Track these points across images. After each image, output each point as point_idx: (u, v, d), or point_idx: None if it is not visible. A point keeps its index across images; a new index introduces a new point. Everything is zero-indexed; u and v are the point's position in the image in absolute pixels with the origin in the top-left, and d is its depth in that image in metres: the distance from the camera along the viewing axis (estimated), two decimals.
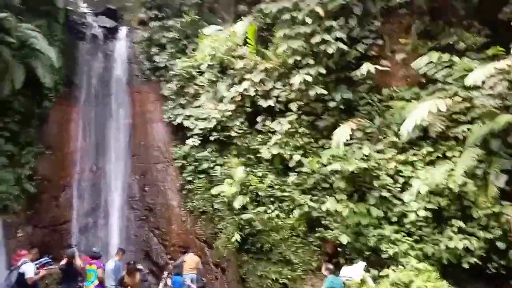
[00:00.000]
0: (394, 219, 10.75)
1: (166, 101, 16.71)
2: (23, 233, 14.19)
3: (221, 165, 14.65)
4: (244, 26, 15.10)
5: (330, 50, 11.73)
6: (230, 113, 14.25)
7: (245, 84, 13.71)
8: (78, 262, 10.12)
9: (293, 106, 12.72)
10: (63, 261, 9.97)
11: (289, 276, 12.15)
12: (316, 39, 11.96)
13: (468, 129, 10.21)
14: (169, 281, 11.66)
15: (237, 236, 12.82)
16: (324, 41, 11.90)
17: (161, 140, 16.84)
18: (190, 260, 11.79)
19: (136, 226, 16.24)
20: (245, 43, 14.89)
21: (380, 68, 11.53)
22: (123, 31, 19.11)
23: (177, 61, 16.50)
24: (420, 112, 9.79)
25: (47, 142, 16.15)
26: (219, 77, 15.29)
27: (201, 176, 15.21)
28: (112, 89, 17.81)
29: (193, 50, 16.69)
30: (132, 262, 10.07)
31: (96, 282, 9.94)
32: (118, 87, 17.87)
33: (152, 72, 17.66)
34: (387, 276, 9.38)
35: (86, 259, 10.74)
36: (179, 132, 16.24)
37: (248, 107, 14.11)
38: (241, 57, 14.47)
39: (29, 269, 8.81)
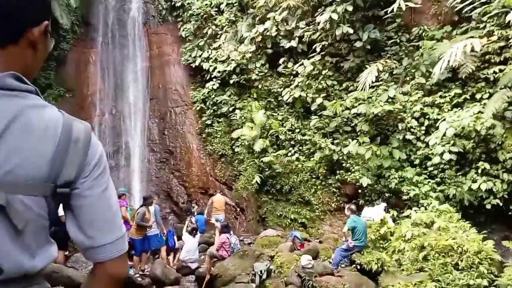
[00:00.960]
0: (417, 161, 10.76)
1: (184, 42, 16.31)
2: None
3: (240, 109, 14.56)
4: None
5: None
6: (250, 54, 13.86)
7: (267, 24, 13.19)
8: None
9: (317, 46, 12.28)
10: None
11: (308, 216, 12.51)
12: None
13: (501, 70, 9.83)
14: (193, 219, 12.05)
15: (257, 178, 13.07)
16: None
17: (179, 83, 16.66)
18: (218, 201, 12.09)
19: (156, 168, 16.56)
20: None
21: (411, 5, 10.92)
22: None
23: None
24: (453, 52, 9.35)
25: (66, 84, 16.17)
26: (239, 17, 14.72)
27: (220, 119, 15.23)
28: (129, 30, 17.38)
29: None
30: (149, 196, 10.25)
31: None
32: (135, 28, 17.43)
33: (168, 12, 17.05)
34: (408, 216, 9.53)
35: None
36: (198, 75, 16.02)
37: (269, 48, 13.68)
38: None
39: (60, 208, 9.14)
